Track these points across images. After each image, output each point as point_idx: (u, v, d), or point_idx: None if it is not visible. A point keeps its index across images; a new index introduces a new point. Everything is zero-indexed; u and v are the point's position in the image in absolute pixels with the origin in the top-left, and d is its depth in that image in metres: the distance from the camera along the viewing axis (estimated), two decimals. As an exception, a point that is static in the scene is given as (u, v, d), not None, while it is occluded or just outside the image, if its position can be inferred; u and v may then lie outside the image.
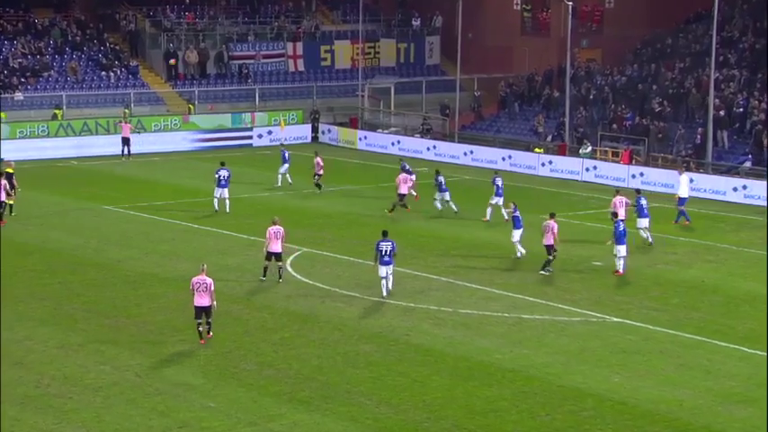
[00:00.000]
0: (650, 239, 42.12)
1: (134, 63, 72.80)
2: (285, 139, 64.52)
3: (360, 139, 68.61)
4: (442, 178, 47.57)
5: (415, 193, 48.42)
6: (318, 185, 51.88)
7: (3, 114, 62.33)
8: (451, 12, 72.30)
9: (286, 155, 53.59)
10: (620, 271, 37.44)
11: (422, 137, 68.46)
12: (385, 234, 34.33)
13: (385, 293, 33.98)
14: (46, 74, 68.87)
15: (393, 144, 66.78)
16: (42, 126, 63.90)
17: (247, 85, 73.71)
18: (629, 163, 58.65)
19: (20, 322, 31.06)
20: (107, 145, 63.28)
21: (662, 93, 64.61)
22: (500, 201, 45.79)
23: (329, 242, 41.85)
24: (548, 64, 73.18)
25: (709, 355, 29.40)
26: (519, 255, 39.29)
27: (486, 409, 25.35)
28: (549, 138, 65.63)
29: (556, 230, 37.14)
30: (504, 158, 61.27)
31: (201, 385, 26.45)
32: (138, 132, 63.88)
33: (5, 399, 25.12)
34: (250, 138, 68.61)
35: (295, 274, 36.75)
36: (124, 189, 52.69)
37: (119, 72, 71.25)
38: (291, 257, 38.47)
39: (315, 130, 70.73)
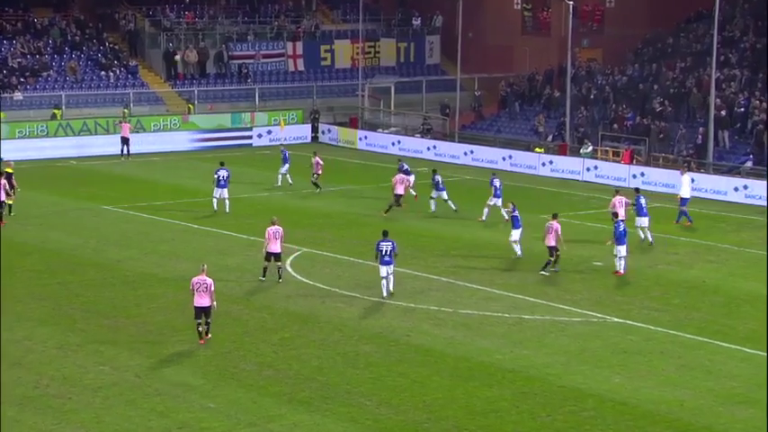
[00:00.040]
0: (651, 239, 42.06)
1: (133, 63, 72.73)
2: (285, 139, 64.46)
3: (360, 138, 68.53)
4: (438, 177, 47.53)
5: (414, 193, 48.37)
6: (317, 185, 51.80)
7: (2, 114, 62.25)
8: (452, 11, 72.21)
9: (286, 155, 53.53)
10: (621, 271, 37.36)
11: (422, 137, 68.40)
12: (385, 234, 34.26)
13: (385, 294, 33.91)
14: (45, 73, 68.80)
15: (393, 144, 66.70)
16: (41, 126, 63.83)
17: (247, 85, 73.63)
18: (630, 163, 58.57)
19: (19, 322, 30.99)
20: (106, 145, 63.23)
21: (663, 92, 64.55)
22: (498, 202, 45.68)
23: (329, 242, 41.77)
24: (548, 63, 73.13)
25: (711, 355, 29.34)
26: (519, 254, 39.21)
27: (486, 409, 25.28)
28: (550, 137, 65.56)
29: (560, 231, 37.05)
30: (504, 158, 61.20)
31: (201, 386, 26.39)
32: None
33: (4, 399, 25.05)
34: (250, 138, 68.54)
35: (295, 275, 36.67)
36: (123, 189, 52.62)
37: (118, 72, 71.17)
38: (291, 258, 38.39)
39: (315, 129, 70.65)
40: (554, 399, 25.98)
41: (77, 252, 39.84)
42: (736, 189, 52.59)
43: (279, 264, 35.56)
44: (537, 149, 62.38)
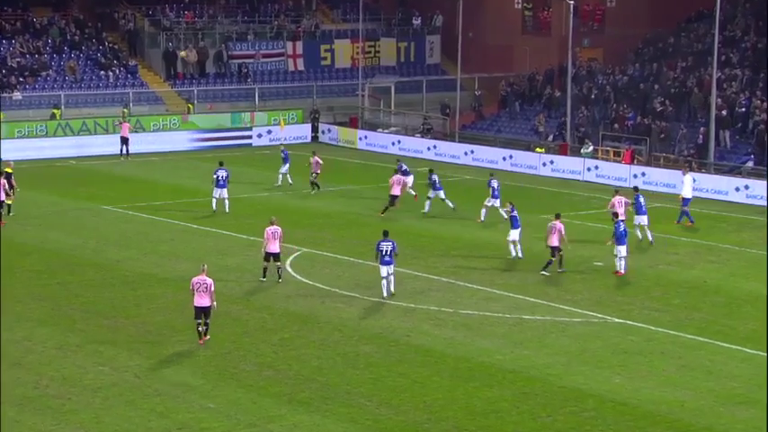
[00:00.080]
0: (651, 239, 42.00)
1: (133, 62, 72.68)
2: (285, 139, 64.38)
3: (360, 138, 68.49)
4: (435, 176, 47.48)
5: (414, 193, 48.31)
6: (316, 185, 51.74)
7: (1, 114, 62.20)
8: (452, 11, 72.17)
9: (286, 155, 53.46)
10: (621, 271, 37.30)
11: (422, 136, 68.35)
12: (386, 234, 34.20)
13: (385, 294, 33.85)
14: (44, 73, 68.75)
15: (393, 144, 66.65)
16: (41, 126, 63.79)
17: (247, 85, 73.58)
18: (631, 163, 58.52)
19: (18, 323, 30.94)
20: (106, 144, 63.21)
21: (664, 92, 64.50)
22: (496, 203, 45.57)
23: (329, 242, 41.72)
24: (549, 63, 73.07)
25: (711, 355, 29.29)
26: (515, 255, 39.09)
27: (486, 410, 25.24)
28: (551, 137, 65.51)
29: (563, 231, 36.95)
30: (504, 158, 61.15)
31: (201, 386, 26.34)
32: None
33: (4, 399, 25.01)
34: (249, 137, 68.49)
35: (295, 275, 36.62)
36: (123, 189, 52.58)
37: (117, 71, 71.12)
38: (291, 258, 38.34)
39: (315, 129, 70.61)
40: (555, 399, 25.93)
41: (77, 252, 39.79)
42: (737, 189, 52.53)
43: (278, 264, 35.49)
44: (537, 149, 62.34)
